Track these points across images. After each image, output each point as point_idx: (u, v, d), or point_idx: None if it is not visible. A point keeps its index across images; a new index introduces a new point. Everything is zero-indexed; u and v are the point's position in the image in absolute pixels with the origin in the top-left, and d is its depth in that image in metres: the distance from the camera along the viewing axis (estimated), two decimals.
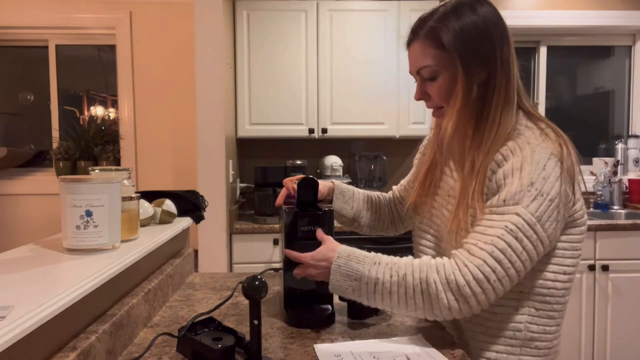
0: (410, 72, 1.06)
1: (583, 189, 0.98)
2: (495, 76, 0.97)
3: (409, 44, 1.04)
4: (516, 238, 0.87)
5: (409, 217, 1.25)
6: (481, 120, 0.98)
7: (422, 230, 1.14)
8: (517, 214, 0.88)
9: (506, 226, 0.88)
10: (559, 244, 0.96)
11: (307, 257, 1.02)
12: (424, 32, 0.99)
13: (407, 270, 0.92)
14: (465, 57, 0.96)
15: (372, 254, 0.98)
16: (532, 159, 0.90)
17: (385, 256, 0.97)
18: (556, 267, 0.96)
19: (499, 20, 0.98)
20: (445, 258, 0.93)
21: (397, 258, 0.96)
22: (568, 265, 0.97)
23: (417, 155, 1.25)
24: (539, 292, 0.96)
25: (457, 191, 1.00)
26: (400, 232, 1.35)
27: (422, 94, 1.05)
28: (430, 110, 1.10)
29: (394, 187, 1.36)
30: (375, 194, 1.34)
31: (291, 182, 1.16)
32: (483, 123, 0.97)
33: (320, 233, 1.06)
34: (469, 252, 0.90)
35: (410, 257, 0.96)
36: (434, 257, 1.10)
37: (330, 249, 1.00)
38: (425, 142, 1.25)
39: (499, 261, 0.87)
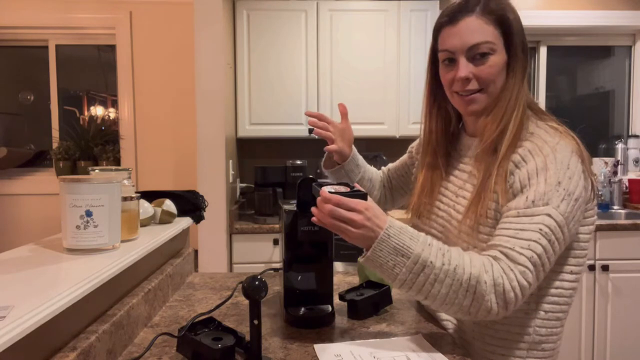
0: (452, 49, 0.99)
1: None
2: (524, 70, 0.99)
3: (459, 19, 0.98)
4: (549, 241, 0.86)
5: (412, 217, 1.23)
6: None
7: (424, 232, 1.13)
8: (549, 215, 0.86)
9: (541, 229, 0.85)
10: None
11: (360, 205, 0.86)
12: (481, 6, 0.97)
13: (460, 262, 0.85)
14: (522, 44, 0.98)
15: (422, 234, 0.89)
16: (555, 158, 0.89)
17: (434, 239, 0.89)
18: (563, 267, 0.95)
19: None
20: (490, 258, 0.87)
21: (447, 246, 0.89)
22: (574, 265, 0.96)
23: (417, 156, 1.25)
24: (548, 293, 0.95)
25: (477, 184, 0.98)
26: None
27: (469, 73, 0.98)
28: None
29: (384, 168, 1.39)
30: (374, 170, 1.37)
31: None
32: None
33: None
34: (509, 258, 0.85)
35: (459, 249, 0.90)
36: None
37: (382, 212, 0.89)
38: (415, 146, 1.26)
39: (536, 266, 0.85)
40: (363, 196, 0.88)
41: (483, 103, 1.01)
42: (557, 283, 0.95)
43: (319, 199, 0.88)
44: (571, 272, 0.96)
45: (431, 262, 0.85)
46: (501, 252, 0.86)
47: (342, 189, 0.90)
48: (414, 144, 1.29)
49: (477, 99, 1.00)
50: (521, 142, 0.94)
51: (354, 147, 1.30)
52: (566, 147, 0.91)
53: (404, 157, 1.32)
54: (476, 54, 0.97)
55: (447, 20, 1.00)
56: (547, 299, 0.96)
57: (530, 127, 0.97)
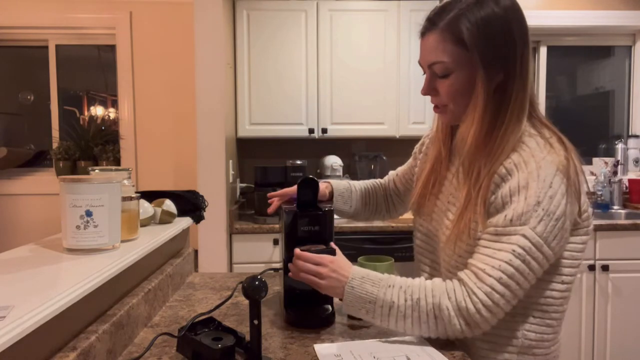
0: (420, 64, 1.00)
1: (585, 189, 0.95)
2: (513, 81, 0.92)
3: (424, 33, 0.96)
4: (524, 261, 0.87)
5: (413, 214, 1.22)
6: (494, 127, 0.93)
7: (421, 233, 1.14)
8: (524, 236, 0.86)
9: (514, 250, 0.86)
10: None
11: (325, 259, 0.98)
12: (443, 23, 0.92)
13: (421, 295, 0.91)
14: (486, 57, 0.90)
15: (386, 275, 0.96)
16: (538, 175, 0.87)
17: (398, 278, 0.95)
18: (554, 277, 0.95)
19: (521, 19, 0.94)
20: (455, 282, 0.92)
21: (410, 280, 0.95)
22: (566, 275, 0.96)
23: (419, 156, 1.24)
24: (537, 301, 0.95)
25: (461, 198, 0.97)
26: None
27: (429, 90, 0.99)
28: (431, 110, 1.08)
29: (391, 173, 1.37)
30: (370, 184, 1.36)
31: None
32: (496, 131, 0.93)
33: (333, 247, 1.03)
34: (477, 277, 0.88)
35: (422, 279, 0.95)
36: (432, 261, 1.09)
37: (347, 264, 0.99)
38: (425, 140, 1.23)
39: (507, 286, 0.87)
40: (331, 252, 1.01)
41: (449, 117, 1.01)
42: (547, 292, 0.95)
43: (294, 257, 1.01)
44: (562, 282, 0.96)
45: (393, 302, 0.93)
46: (473, 272, 0.90)
47: (319, 248, 1.03)
48: (417, 145, 1.29)
49: (442, 113, 1.02)
50: (510, 153, 0.92)
51: (336, 187, 1.29)
52: (551, 163, 0.88)
53: (410, 159, 1.31)
54: (434, 72, 0.97)
55: (421, 31, 0.99)
56: (536, 306, 0.95)
57: (523, 137, 0.93)
